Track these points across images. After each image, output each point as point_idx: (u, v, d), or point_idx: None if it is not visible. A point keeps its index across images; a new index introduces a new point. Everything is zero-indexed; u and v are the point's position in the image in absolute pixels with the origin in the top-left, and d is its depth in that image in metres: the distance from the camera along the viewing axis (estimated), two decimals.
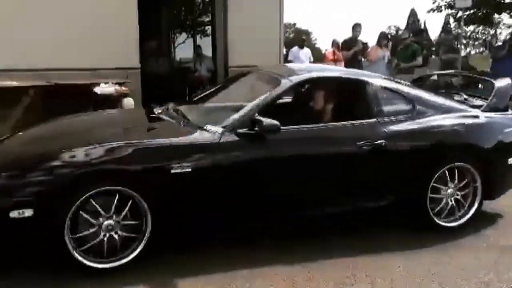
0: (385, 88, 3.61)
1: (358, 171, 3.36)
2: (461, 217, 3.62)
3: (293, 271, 2.92)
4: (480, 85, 5.96)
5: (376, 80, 3.66)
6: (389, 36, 9.68)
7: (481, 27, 28.38)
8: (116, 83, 5.95)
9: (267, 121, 2.99)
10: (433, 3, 18.74)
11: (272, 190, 3.16)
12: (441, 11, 18.73)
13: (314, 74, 3.71)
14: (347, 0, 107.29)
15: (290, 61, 9.42)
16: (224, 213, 3.06)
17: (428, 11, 19.32)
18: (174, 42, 12.04)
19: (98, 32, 6.40)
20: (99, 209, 2.76)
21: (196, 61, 9.07)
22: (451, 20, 28.89)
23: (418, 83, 4.76)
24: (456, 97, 4.12)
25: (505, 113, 3.84)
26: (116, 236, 2.81)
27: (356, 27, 8.44)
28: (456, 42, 17.12)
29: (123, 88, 5.98)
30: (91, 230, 2.76)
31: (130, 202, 2.80)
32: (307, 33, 46.85)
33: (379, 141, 3.30)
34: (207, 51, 9.30)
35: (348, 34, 8.68)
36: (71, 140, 3.14)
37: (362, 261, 3.07)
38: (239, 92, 4.02)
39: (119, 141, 2.91)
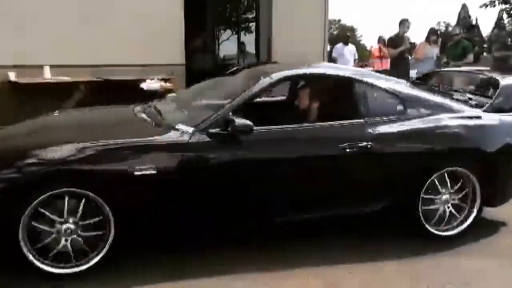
0: (375, 86, 3.37)
1: (340, 175, 3.14)
2: (458, 226, 3.38)
3: (278, 275, 2.85)
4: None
5: (366, 77, 3.42)
6: (438, 32, 9.36)
7: None
8: (162, 79, 6.11)
9: (239, 121, 2.83)
10: None
11: (245, 194, 2.99)
12: (494, 6, 18.06)
13: (298, 72, 3.50)
14: None
15: (334, 58, 9.31)
16: (192, 218, 2.91)
17: (481, 6, 18.67)
18: (218, 39, 12.15)
19: (146, 29, 6.55)
20: (49, 214, 2.63)
21: (240, 57, 9.14)
22: (505, 15, 27.65)
23: (424, 79, 4.50)
24: (458, 96, 3.81)
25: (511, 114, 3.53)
26: (79, 239, 2.71)
27: (404, 23, 8.20)
28: (509, 39, 16.37)
29: (168, 84, 6.12)
30: (51, 236, 2.67)
31: (82, 204, 2.67)
32: (352, 30, 46.14)
33: (364, 143, 3.10)
34: (251, 48, 9.33)
35: (395, 30, 8.47)
36: (35, 138, 3.06)
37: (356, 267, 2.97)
38: (224, 89, 3.78)
39: (83, 141, 2.78)
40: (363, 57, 17.32)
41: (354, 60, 9.59)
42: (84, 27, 6.22)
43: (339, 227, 3.45)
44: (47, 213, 2.64)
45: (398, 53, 8.05)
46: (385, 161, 3.16)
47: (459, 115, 3.39)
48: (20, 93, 5.84)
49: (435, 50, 8.21)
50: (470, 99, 3.73)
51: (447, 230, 3.37)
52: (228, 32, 12.18)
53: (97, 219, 2.73)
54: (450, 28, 36.23)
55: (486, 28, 62.93)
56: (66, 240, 2.69)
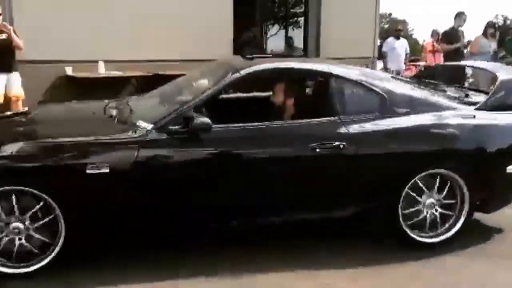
0: (354, 81, 3.09)
1: (309, 177, 2.90)
2: (444, 232, 3.10)
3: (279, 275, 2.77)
4: None
5: (343, 71, 3.15)
6: (496, 25, 8.92)
7: None
8: None
9: (198, 118, 2.67)
10: None
11: (200, 196, 2.80)
12: None
13: (267, 66, 3.16)
14: None
15: (384, 52, 9.09)
16: (146, 218, 2.76)
17: None
18: (266, 34, 12.16)
19: (196, 26, 6.67)
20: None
21: (287, 52, 9.09)
22: None
23: (427, 75, 4.21)
24: (453, 92, 3.51)
25: (510, 112, 3.18)
26: (33, 238, 2.63)
27: (460, 16, 7.85)
28: None
29: None
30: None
31: (40, 204, 2.59)
32: (403, 23, 44.81)
33: (337, 143, 2.85)
34: (299, 42, 9.28)
35: (450, 23, 8.14)
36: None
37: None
38: (198, 84, 3.46)
39: (32, 139, 2.71)
40: (415, 52, 16.81)
41: (406, 55, 9.31)
42: (136, 25, 6.42)
43: (341, 227, 3.26)
44: None
45: (453, 49, 7.71)
46: (359, 162, 2.90)
47: (446, 113, 3.09)
48: (76, 87, 6.11)
49: (492, 44, 7.83)
50: (467, 95, 3.43)
51: (431, 236, 3.10)
52: (276, 27, 12.17)
53: (47, 219, 2.63)
54: (508, 22, 34.48)
55: None
56: (20, 239, 2.62)
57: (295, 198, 2.93)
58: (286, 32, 10.97)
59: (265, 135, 2.88)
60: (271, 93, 3.57)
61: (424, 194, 3.04)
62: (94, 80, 6.03)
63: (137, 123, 2.78)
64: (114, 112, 3.20)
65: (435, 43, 9.08)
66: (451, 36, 7.85)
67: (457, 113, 3.11)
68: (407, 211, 3.03)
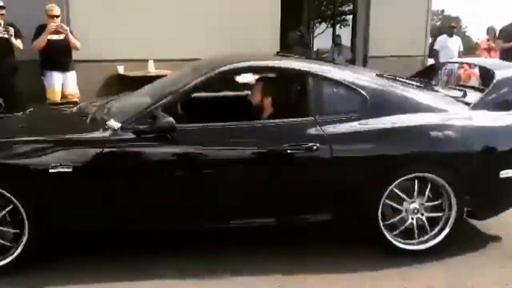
0: (333, 80, 2.95)
1: (279, 179, 2.79)
2: (430, 239, 2.90)
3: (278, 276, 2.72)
4: None
5: (322, 69, 3.02)
6: None
7: None
8: None
9: (162, 118, 2.62)
10: None
11: (165, 197, 2.74)
12: None
13: (241, 65, 3.08)
14: None
15: (435, 50, 8.80)
16: (109, 218, 2.73)
17: None
18: (313, 32, 12.08)
19: (244, 25, 6.72)
20: None
21: (334, 51, 8.99)
22: None
23: (427, 73, 3.99)
24: (447, 92, 3.34)
25: (507, 112, 2.99)
26: None
27: None
28: None
29: None
30: None
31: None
32: (457, 20, 43.20)
33: (310, 144, 2.72)
34: (346, 41, 9.15)
35: (507, 21, 7.76)
36: None
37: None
38: (174, 83, 3.29)
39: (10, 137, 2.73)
40: (469, 50, 16.16)
41: (459, 53, 8.96)
42: (185, 24, 6.55)
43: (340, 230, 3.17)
44: None
45: (511, 47, 7.35)
46: (334, 165, 2.76)
47: (433, 113, 2.92)
48: (127, 85, 6.30)
49: None
50: (464, 95, 3.23)
51: (415, 244, 2.92)
52: (323, 25, 12.07)
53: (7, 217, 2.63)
54: None
55: None
56: None
57: (267, 201, 2.82)
58: (334, 31, 10.86)
59: (234, 135, 2.79)
60: (248, 92, 3.48)
61: (405, 200, 2.88)
62: (144, 78, 6.19)
63: (107, 123, 2.75)
64: (90, 111, 3.19)
65: (490, 41, 8.68)
66: (509, 32, 7.48)
67: (444, 114, 2.93)
68: (388, 216, 2.89)
